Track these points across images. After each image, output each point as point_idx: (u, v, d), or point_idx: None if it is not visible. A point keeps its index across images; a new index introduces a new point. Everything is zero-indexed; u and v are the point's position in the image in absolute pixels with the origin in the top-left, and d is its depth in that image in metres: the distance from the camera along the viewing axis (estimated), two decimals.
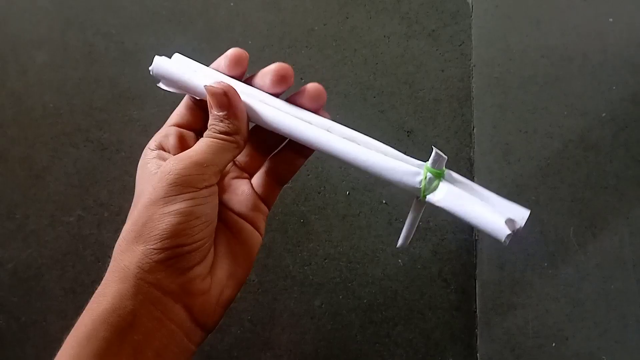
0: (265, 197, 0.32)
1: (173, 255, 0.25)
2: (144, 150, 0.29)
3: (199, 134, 0.31)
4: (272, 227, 0.55)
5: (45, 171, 0.57)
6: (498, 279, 0.53)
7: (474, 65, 0.58)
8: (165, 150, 0.29)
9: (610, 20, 0.58)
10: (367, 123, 0.57)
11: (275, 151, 0.32)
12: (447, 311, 0.53)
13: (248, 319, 0.53)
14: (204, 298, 0.27)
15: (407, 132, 0.56)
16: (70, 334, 0.25)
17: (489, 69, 0.58)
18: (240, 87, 0.30)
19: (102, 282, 0.26)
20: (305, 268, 0.54)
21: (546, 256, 0.53)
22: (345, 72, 0.58)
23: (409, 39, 0.59)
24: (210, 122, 0.28)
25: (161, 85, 0.30)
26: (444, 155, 0.27)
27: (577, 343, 0.51)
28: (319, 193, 0.55)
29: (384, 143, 0.29)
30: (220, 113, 0.28)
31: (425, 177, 0.27)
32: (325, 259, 0.54)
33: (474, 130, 0.57)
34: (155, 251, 0.25)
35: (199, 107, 0.31)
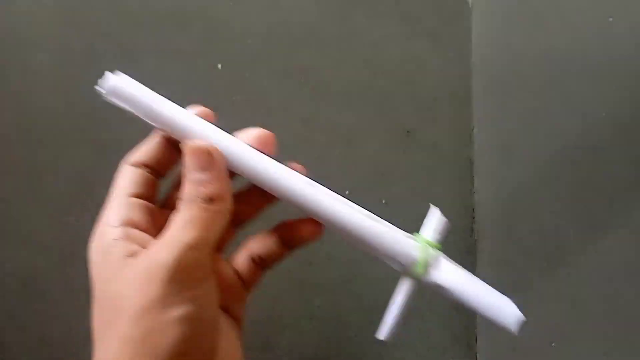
0: (248, 281, 0.27)
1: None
2: (97, 230, 0.23)
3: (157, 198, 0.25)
4: (272, 226, 0.55)
5: (45, 171, 0.57)
6: (498, 279, 0.53)
7: (474, 65, 0.58)
8: (135, 227, 0.23)
9: (610, 20, 0.58)
10: (367, 123, 0.57)
11: (260, 235, 0.27)
12: (447, 312, 0.53)
13: (247, 319, 0.53)
14: None
15: (407, 132, 0.56)
16: None
17: (489, 68, 0.58)
18: (215, 135, 0.24)
19: None
20: (306, 268, 0.54)
21: (546, 256, 0.53)
22: (345, 72, 0.58)
23: (409, 39, 0.59)
24: (188, 188, 0.22)
25: (112, 99, 0.25)
26: (445, 220, 0.23)
27: (577, 343, 0.51)
28: None
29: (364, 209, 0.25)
30: (203, 176, 0.22)
31: (424, 250, 0.22)
32: (325, 259, 0.54)
33: (474, 130, 0.57)
34: None
35: (153, 172, 0.25)
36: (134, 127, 0.57)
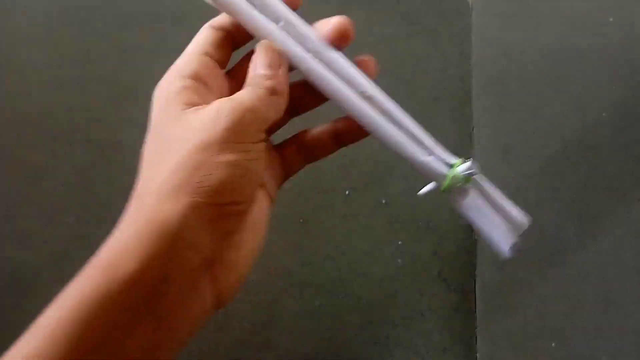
0: (289, 167, 0.29)
1: (223, 214, 0.22)
2: (166, 77, 0.25)
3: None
4: (272, 227, 0.55)
5: (43, 171, 0.57)
6: (498, 279, 0.53)
7: (474, 65, 0.58)
8: (202, 83, 0.25)
9: (611, 19, 0.58)
10: None
11: (314, 128, 0.30)
12: (447, 311, 0.53)
13: (247, 319, 0.53)
14: (233, 272, 0.24)
15: None
16: (69, 295, 0.20)
17: (489, 68, 0.58)
18: (292, 21, 0.28)
19: (120, 233, 0.22)
20: (305, 268, 0.54)
21: (546, 256, 0.53)
22: None
23: (408, 38, 0.59)
24: (253, 76, 0.25)
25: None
26: (477, 170, 0.26)
27: (577, 343, 0.51)
28: (319, 193, 0.55)
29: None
30: (268, 72, 0.25)
31: (449, 181, 0.27)
32: (325, 259, 0.54)
33: (474, 130, 0.57)
34: (207, 206, 0.21)
35: (230, 39, 0.28)
36: (134, 127, 0.57)
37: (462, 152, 0.57)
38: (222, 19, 0.28)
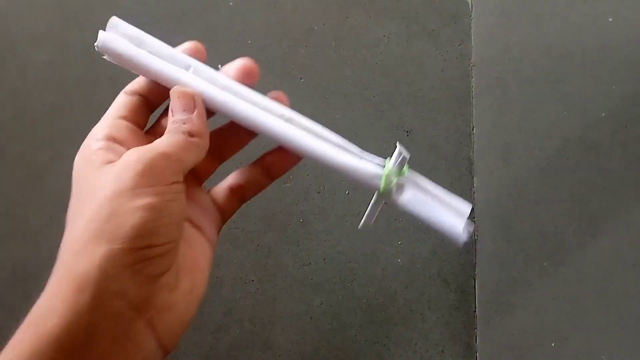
0: (224, 210, 0.29)
1: (143, 258, 0.22)
2: (85, 143, 0.26)
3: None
4: (272, 226, 0.55)
5: (45, 170, 0.57)
6: (498, 279, 0.53)
7: (474, 65, 0.58)
8: (117, 143, 0.26)
9: (610, 19, 0.58)
10: (367, 123, 0.57)
11: (243, 167, 0.30)
12: (447, 311, 0.53)
13: (247, 319, 0.53)
14: (170, 314, 0.24)
15: (407, 132, 0.56)
16: (4, 357, 0.21)
17: (489, 68, 0.58)
18: (200, 68, 0.29)
19: (47, 291, 0.22)
20: (305, 268, 0.54)
21: (546, 256, 0.53)
22: (345, 72, 0.58)
23: (408, 39, 0.59)
24: (172, 121, 0.26)
25: (106, 57, 0.28)
26: (407, 154, 0.26)
27: (576, 343, 0.51)
28: (319, 193, 0.55)
29: (345, 140, 0.28)
30: (185, 116, 0.26)
31: (386, 178, 0.27)
32: (325, 259, 0.54)
33: (474, 130, 0.57)
34: (123, 252, 0.21)
35: (147, 100, 0.28)
36: None
37: (462, 152, 0.58)
38: (135, 84, 0.29)
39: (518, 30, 0.58)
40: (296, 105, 0.27)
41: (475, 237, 0.54)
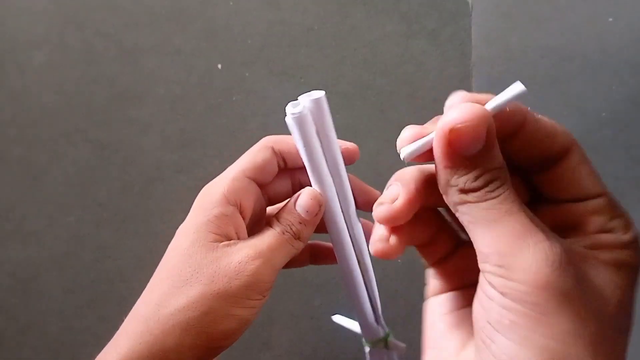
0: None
1: (214, 352, 0.26)
2: (207, 189, 0.27)
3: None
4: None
5: (44, 171, 0.57)
6: None
7: (474, 65, 0.58)
8: (239, 209, 0.27)
9: (610, 20, 0.58)
10: (367, 123, 0.57)
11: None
12: None
13: None
14: None
15: None
16: None
17: (489, 68, 0.58)
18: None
19: (127, 352, 0.24)
20: (305, 268, 0.54)
21: None
22: (344, 72, 0.58)
23: (408, 38, 0.59)
24: (286, 216, 0.27)
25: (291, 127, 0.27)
26: (402, 345, 0.31)
27: None
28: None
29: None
30: (304, 217, 0.27)
31: (379, 342, 0.32)
32: None
33: None
34: (202, 349, 0.24)
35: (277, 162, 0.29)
36: (134, 127, 0.57)
37: None
38: (280, 143, 0.30)
39: (518, 30, 0.58)
40: None
41: None
